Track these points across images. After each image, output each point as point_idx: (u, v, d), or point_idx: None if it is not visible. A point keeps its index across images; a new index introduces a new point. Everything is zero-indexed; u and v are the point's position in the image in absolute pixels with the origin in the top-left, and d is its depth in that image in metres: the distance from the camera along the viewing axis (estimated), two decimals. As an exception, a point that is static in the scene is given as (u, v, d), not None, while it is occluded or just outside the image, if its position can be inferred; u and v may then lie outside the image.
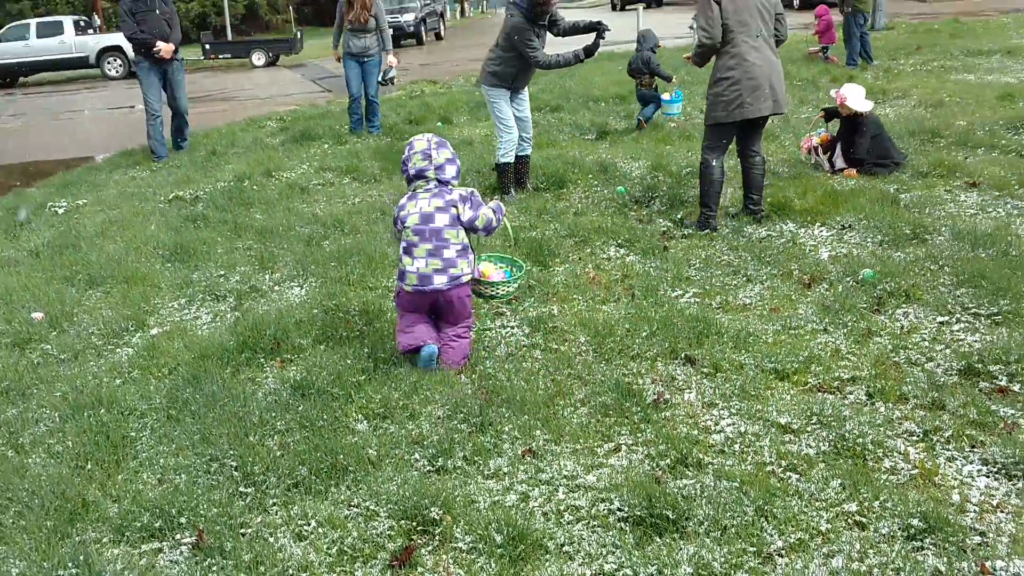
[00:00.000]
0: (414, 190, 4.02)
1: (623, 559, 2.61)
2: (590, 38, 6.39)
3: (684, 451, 3.13)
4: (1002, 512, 2.70)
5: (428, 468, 3.21)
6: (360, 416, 3.60)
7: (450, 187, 4.00)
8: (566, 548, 2.70)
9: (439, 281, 3.86)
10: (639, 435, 3.32)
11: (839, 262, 4.93)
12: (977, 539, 2.57)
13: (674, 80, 9.29)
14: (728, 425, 3.34)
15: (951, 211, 5.65)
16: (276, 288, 5.27)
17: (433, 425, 3.50)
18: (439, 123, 10.77)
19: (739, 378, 3.69)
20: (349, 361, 4.04)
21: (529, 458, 3.23)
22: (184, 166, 9.18)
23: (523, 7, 6.27)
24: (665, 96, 9.28)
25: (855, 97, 6.75)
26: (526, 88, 6.83)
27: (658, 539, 2.70)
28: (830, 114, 7.07)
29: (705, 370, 3.81)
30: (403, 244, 3.98)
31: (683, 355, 3.95)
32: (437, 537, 2.79)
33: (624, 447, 3.26)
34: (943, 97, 9.47)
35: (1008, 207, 5.70)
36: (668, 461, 3.10)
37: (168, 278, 5.57)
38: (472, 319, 4.06)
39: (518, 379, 3.80)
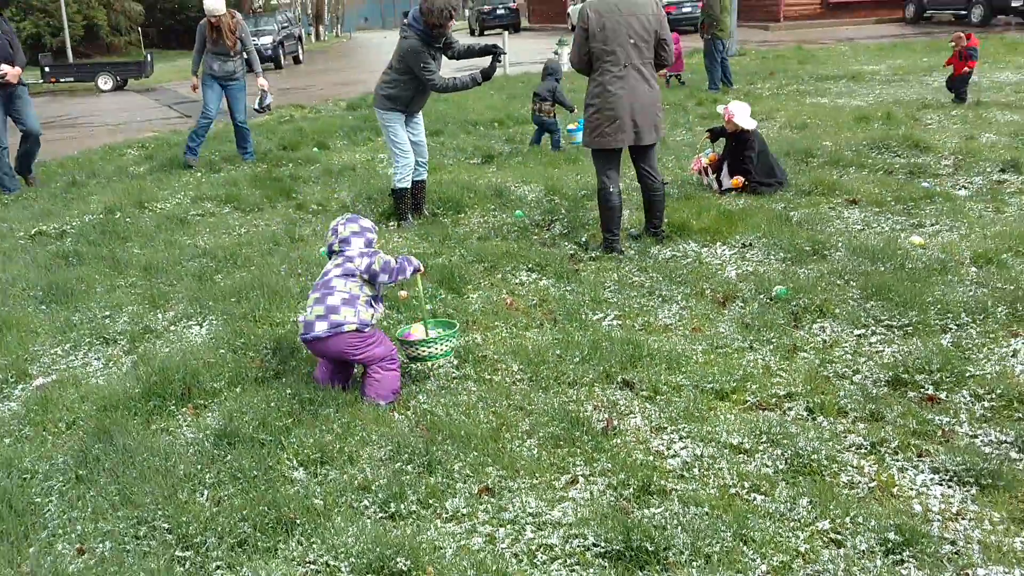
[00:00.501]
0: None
1: (608, 597, 2.52)
2: (485, 61, 6.35)
3: (644, 479, 3.08)
4: (964, 519, 2.78)
5: (381, 515, 3.03)
6: (295, 463, 3.36)
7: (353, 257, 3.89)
8: (546, 590, 2.59)
9: (319, 328, 3.74)
10: (594, 464, 3.24)
11: (747, 280, 5.06)
12: (948, 547, 2.63)
13: (575, 111, 9.40)
14: (681, 448, 3.32)
15: (840, 227, 5.93)
16: (172, 328, 4.91)
17: (376, 468, 3.31)
18: (315, 148, 10.46)
19: (680, 400, 3.69)
20: (272, 404, 3.78)
21: (486, 496, 3.10)
22: (41, 198, 8.48)
23: (419, 29, 6.15)
24: (571, 126, 9.50)
25: (741, 114, 6.98)
26: (420, 112, 6.71)
27: (640, 573, 2.62)
28: (716, 134, 7.30)
29: (644, 393, 3.79)
30: None
31: (619, 379, 3.92)
32: (409, 590, 2.62)
33: (582, 478, 3.18)
34: (805, 119, 10.00)
35: (890, 222, 6.03)
36: (631, 490, 3.04)
37: (45, 322, 5.08)
38: (386, 359, 3.86)
39: (457, 413, 3.66)
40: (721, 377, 3.85)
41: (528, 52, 23.05)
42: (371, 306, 3.85)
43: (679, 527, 2.77)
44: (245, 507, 3.01)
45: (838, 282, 4.85)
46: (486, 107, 12.67)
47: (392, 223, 6.76)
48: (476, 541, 2.86)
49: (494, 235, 6.31)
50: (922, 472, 3.06)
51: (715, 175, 7.19)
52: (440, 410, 3.70)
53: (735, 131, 7.02)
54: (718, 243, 5.80)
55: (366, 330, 3.79)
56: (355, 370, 4.02)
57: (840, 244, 5.45)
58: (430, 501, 3.08)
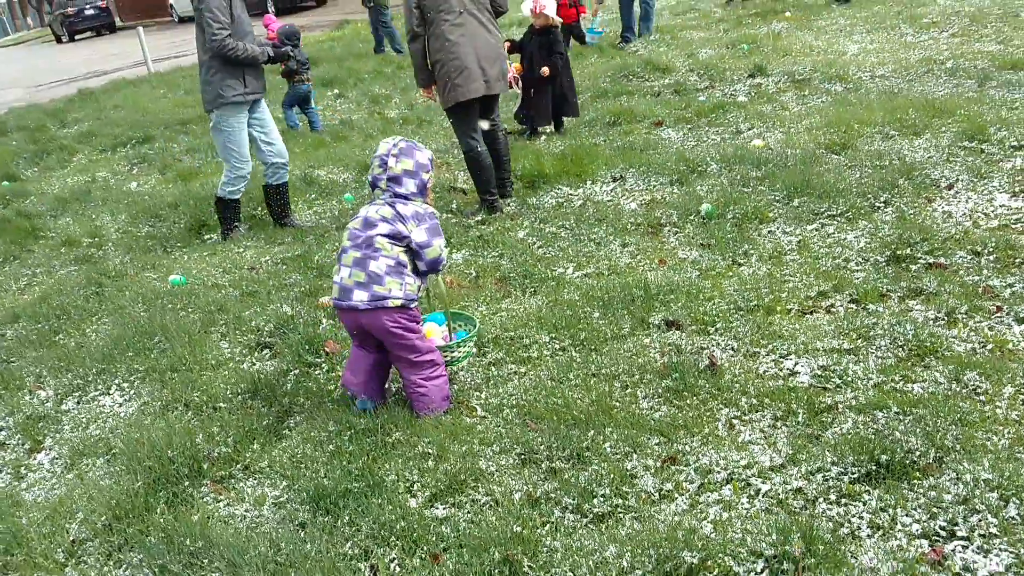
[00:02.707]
0: (372, 200, 3.25)
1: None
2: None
3: (811, 402, 2.99)
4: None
5: (587, 520, 2.62)
6: (428, 500, 2.78)
7: (407, 201, 3.24)
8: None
9: (358, 297, 3.16)
10: (744, 402, 3.08)
11: (657, 207, 5.10)
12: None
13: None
14: (798, 365, 3.27)
15: (678, 145, 6.19)
16: (74, 410, 3.77)
17: (517, 477, 2.85)
18: (4, 182, 8.63)
19: (740, 324, 3.63)
20: (328, 445, 3.08)
21: (675, 466, 2.81)
22: None
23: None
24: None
25: (551, 6, 6.74)
26: (264, 102, 5.68)
27: (899, 482, 2.55)
28: (514, 46, 6.94)
29: (694, 327, 3.67)
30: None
31: (659, 321, 3.75)
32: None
33: (744, 420, 3.01)
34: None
35: (711, 133, 6.42)
36: (814, 414, 2.94)
37: None
38: (429, 355, 3.33)
39: (541, 397, 3.26)
40: (746, 294, 3.85)
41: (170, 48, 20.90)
42: (417, 278, 3.26)
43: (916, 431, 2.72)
44: (460, 562, 2.43)
45: (746, 190, 5.06)
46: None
47: (212, 236, 5.81)
48: (715, 512, 2.58)
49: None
50: (1010, 325, 3.32)
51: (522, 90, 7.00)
52: (521, 399, 3.27)
53: (545, 25, 6.79)
54: (588, 182, 5.77)
55: (412, 307, 3.21)
56: (390, 371, 3.40)
57: (709, 160, 5.68)
58: (623, 489, 2.72)
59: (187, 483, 3.04)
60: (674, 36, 10.62)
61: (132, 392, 3.84)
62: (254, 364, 3.93)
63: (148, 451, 3.14)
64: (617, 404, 3.18)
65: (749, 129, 6.38)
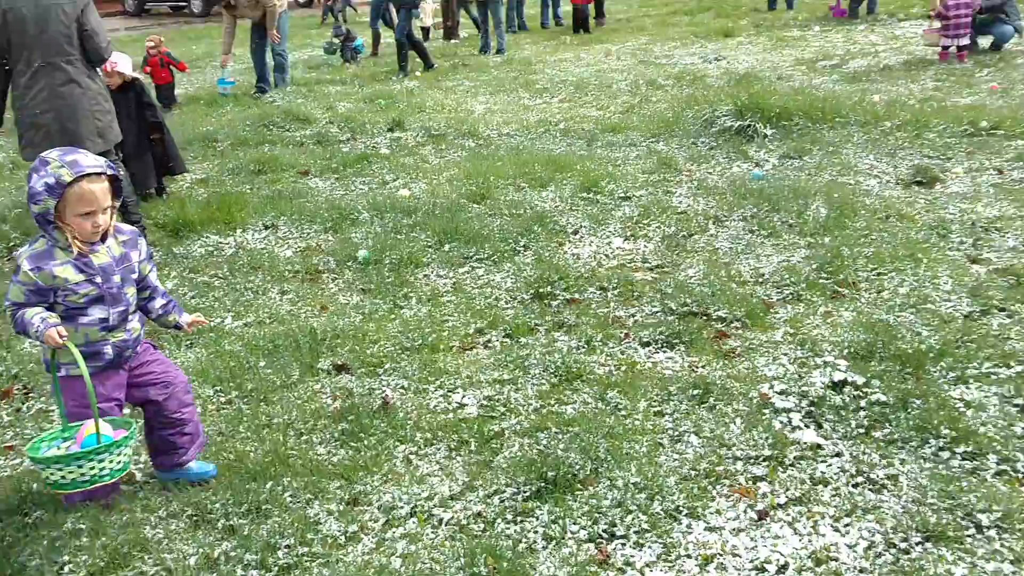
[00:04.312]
0: None
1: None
2: None
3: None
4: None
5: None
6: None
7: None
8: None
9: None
10: (420, 435, 3.18)
11: (315, 253, 5.11)
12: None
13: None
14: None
15: (330, 193, 6.25)
16: None
17: (198, 544, 2.68)
18: None
19: (410, 364, 3.75)
20: None
21: (355, 506, 2.82)
22: None
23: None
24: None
25: (124, 63, 6.16)
26: None
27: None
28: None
29: (364, 370, 3.73)
30: None
31: (331, 366, 3.75)
32: None
33: (429, 451, 3.11)
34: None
35: (369, 182, 6.59)
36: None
37: None
38: None
39: (204, 452, 3.10)
40: (410, 334, 3.99)
41: None
42: None
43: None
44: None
45: (399, 236, 5.24)
46: None
47: None
48: (402, 546, 2.64)
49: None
50: (636, 348, 3.82)
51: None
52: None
53: (123, 83, 6.11)
54: (238, 230, 5.61)
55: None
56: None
57: (359, 207, 5.81)
58: (308, 536, 2.67)
59: None
60: (310, 88, 10.74)
61: None
62: None
63: None
64: (294, 452, 3.13)
65: (395, 180, 6.63)
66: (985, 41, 9.77)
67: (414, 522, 2.76)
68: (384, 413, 3.35)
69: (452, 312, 4.24)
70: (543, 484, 2.85)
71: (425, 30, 15.60)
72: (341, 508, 2.83)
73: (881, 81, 8.82)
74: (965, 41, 9.32)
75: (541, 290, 4.39)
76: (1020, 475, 2.77)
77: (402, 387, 3.57)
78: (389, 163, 7.06)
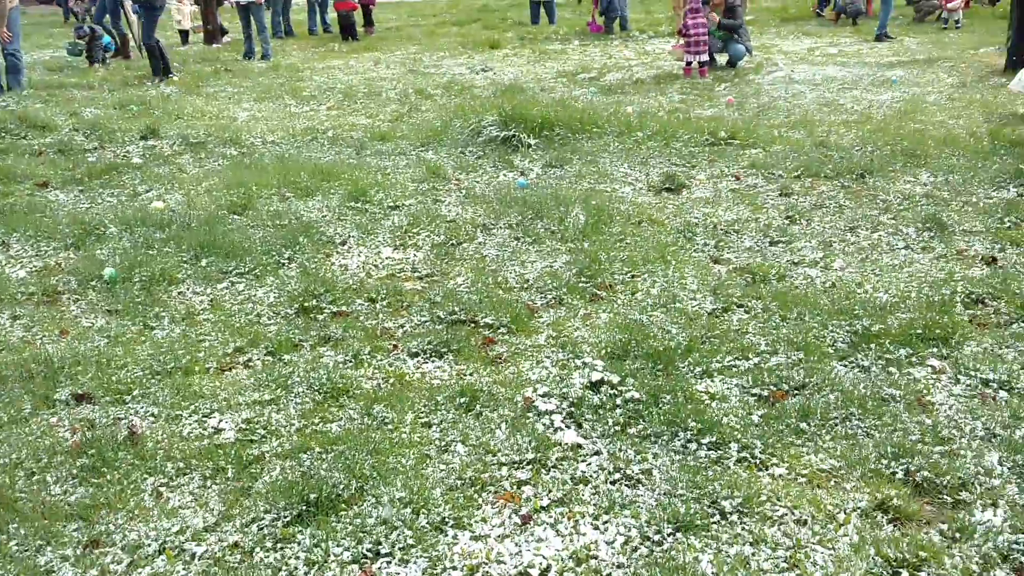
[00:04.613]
0: None
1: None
2: None
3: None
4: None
5: None
6: None
7: None
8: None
9: None
10: (171, 465, 2.96)
11: (53, 273, 4.65)
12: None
13: None
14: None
15: (73, 207, 5.74)
16: None
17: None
18: None
19: (161, 389, 3.49)
20: None
21: (95, 548, 2.57)
22: None
23: None
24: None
25: None
26: None
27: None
28: None
29: (108, 399, 3.43)
30: None
31: (70, 396, 3.41)
32: None
33: (181, 481, 2.89)
34: None
35: (106, 195, 6.10)
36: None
37: None
38: None
39: None
40: (162, 357, 3.73)
41: None
42: None
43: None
44: None
45: (151, 252, 4.89)
46: None
47: None
48: None
49: None
50: (405, 360, 3.78)
51: None
52: None
53: None
54: None
55: None
56: None
57: (106, 221, 5.36)
58: None
59: None
60: (51, 92, 9.86)
61: None
62: None
63: None
64: (22, 495, 2.81)
65: (148, 191, 6.20)
66: (722, 59, 10.73)
67: (163, 560, 2.56)
68: (131, 444, 3.09)
69: (209, 331, 4.01)
70: (305, 507, 2.74)
71: (184, 33, 14.82)
72: (78, 552, 2.57)
73: (634, 93, 9.38)
74: (705, 58, 10.17)
75: (306, 304, 4.25)
76: (758, 461, 2.98)
77: (152, 415, 3.32)
78: (142, 173, 6.61)
